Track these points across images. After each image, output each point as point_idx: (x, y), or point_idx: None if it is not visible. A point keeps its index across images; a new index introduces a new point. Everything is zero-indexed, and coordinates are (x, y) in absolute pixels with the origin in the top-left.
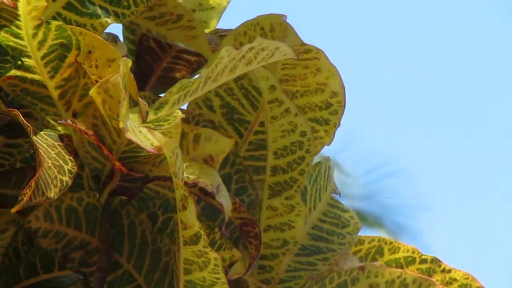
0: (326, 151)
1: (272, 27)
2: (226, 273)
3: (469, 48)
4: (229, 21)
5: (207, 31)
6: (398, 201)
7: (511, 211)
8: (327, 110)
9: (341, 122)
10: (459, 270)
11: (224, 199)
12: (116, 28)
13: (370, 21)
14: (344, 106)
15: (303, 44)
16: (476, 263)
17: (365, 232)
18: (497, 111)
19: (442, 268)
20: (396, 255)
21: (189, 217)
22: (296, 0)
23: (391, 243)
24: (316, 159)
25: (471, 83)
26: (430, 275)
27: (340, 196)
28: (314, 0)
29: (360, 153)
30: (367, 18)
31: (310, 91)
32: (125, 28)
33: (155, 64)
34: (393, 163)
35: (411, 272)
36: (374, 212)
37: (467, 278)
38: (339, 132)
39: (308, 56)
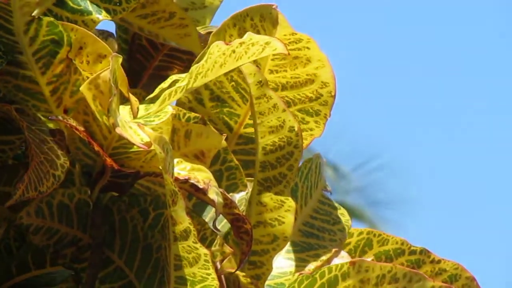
0: (313, 145)
1: (262, 17)
2: (217, 269)
3: (459, 43)
4: (222, 20)
5: (199, 28)
6: (386, 195)
7: (500, 205)
8: (317, 101)
9: (331, 114)
10: (448, 261)
11: (216, 195)
12: (110, 28)
13: (363, 13)
14: (335, 96)
15: (294, 33)
16: (463, 256)
17: (352, 226)
18: (486, 104)
19: (431, 259)
20: (385, 247)
21: (179, 212)
22: None
23: (380, 235)
24: (306, 153)
25: (460, 77)
26: (419, 266)
27: (331, 193)
28: None
29: (347, 147)
30: (361, 10)
31: (300, 82)
32: (118, 27)
33: (147, 63)
34: (381, 157)
35: (401, 267)
36: (361, 206)
37: (456, 269)
38: (327, 126)
39: (299, 46)
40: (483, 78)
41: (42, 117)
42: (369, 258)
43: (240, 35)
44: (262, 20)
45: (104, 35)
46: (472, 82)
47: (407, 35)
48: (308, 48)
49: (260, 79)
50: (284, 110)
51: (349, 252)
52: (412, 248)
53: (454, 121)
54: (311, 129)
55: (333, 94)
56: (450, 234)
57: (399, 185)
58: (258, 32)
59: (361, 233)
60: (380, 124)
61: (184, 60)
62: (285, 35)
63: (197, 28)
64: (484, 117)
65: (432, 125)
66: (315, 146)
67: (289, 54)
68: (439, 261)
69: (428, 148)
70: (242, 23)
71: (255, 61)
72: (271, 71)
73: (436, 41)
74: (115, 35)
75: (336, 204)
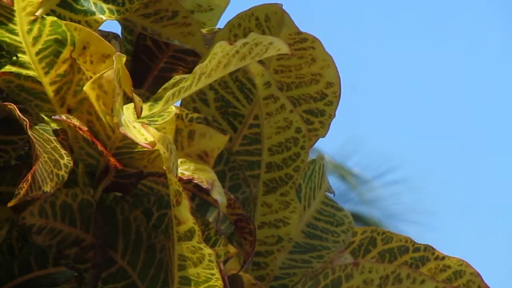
0: (332, 156)
1: (267, 16)
2: (220, 269)
3: (477, 56)
4: None
5: (204, 30)
6: (402, 207)
7: None
8: (322, 101)
9: (347, 129)
10: (452, 257)
11: (219, 195)
12: (116, 29)
13: (394, 28)
14: (339, 96)
15: (299, 32)
16: (479, 268)
17: None
18: (503, 117)
19: (435, 255)
20: (389, 245)
21: (183, 212)
22: None
23: (383, 233)
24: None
25: (478, 92)
26: (423, 264)
27: (334, 195)
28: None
29: (365, 160)
30: (373, 21)
31: (305, 82)
32: (124, 28)
33: (152, 64)
34: (398, 170)
35: (405, 267)
36: (377, 218)
37: (461, 265)
38: (345, 138)
39: (304, 46)
40: (504, 93)
41: (45, 117)
42: (373, 256)
43: (245, 35)
44: (267, 19)
45: (109, 37)
46: (491, 96)
47: (431, 48)
48: (313, 48)
49: (268, 80)
50: (291, 111)
51: (353, 251)
52: (416, 245)
53: (473, 134)
54: (316, 129)
55: (338, 94)
56: (467, 246)
57: (415, 198)
58: (263, 32)
59: (365, 231)
60: (397, 137)
61: (189, 61)
62: (290, 34)
63: (204, 30)
64: (502, 132)
65: (451, 138)
66: (334, 157)
67: (292, 54)
68: (443, 258)
69: (445, 162)
70: (247, 22)
71: (261, 61)
72: (276, 71)
73: (458, 55)
74: (120, 36)
75: (340, 206)
